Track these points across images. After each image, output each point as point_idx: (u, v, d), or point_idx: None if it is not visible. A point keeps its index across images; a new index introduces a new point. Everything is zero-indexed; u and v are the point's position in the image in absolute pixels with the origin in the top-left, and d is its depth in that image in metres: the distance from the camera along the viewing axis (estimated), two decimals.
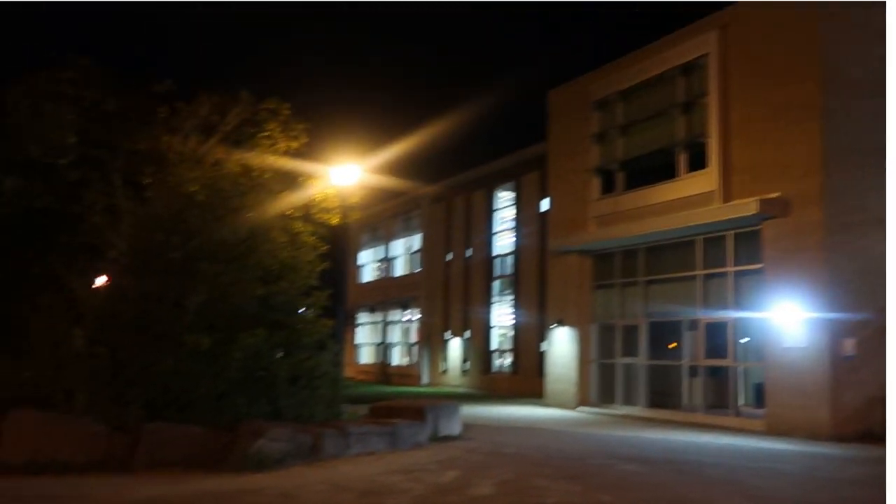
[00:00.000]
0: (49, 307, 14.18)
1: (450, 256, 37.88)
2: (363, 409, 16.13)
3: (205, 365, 12.66)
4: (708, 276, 19.92)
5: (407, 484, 10.09)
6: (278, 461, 11.27)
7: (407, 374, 39.53)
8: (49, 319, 14.17)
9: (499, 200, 35.42)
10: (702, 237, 20.00)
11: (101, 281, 15.61)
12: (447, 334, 37.55)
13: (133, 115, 16.06)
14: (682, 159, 20.80)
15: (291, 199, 16.35)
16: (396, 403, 16.31)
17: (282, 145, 16.30)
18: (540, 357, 27.80)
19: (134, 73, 16.51)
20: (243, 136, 16.37)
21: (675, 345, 21.10)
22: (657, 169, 21.57)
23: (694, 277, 20.30)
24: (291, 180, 16.53)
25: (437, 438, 14.35)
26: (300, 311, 15.34)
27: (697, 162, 20.28)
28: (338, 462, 11.79)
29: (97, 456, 11.36)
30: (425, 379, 38.46)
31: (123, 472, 10.97)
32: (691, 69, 20.84)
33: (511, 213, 34.27)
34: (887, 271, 13.96)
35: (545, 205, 28.76)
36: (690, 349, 20.50)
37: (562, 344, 24.34)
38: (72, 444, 11.37)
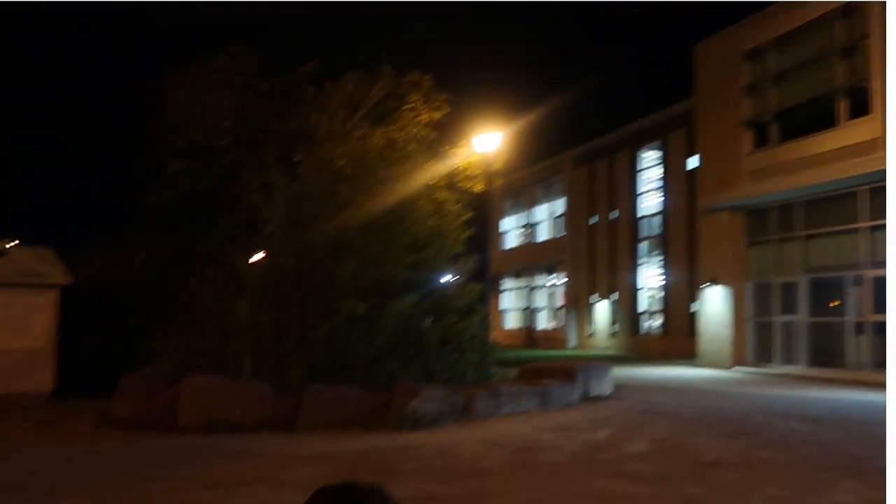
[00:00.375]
0: (214, 281, 15.17)
1: (594, 219, 37.42)
2: (512, 372, 16.32)
3: (359, 330, 13.21)
4: (874, 228, 18.75)
5: (560, 441, 10.19)
6: (432, 421, 11.63)
7: (553, 338, 39.53)
8: (214, 292, 15.18)
9: (643, 161, 34.57)
10: (866, 187, 18.83)
11: (259, 255, 16.51)
12: (593, 297, 37.22)
13: (283, 96, 16.80)
14: (842, 106, 19.58)
15: (435, 169, 16.65)
16: (546, 364, 16.39)
17: (424, 117, 16.59)
18: (691, 317, 27.11)
19: (282, 56, 17.28)
20: (387, 110, 16.78)
21: (837, 303, 20.05)
22: (815, 118, 20.43)
23: (858, 230, 19.18)
24: (435, 150, 16.82)
25: (587, 398, 14.36)
26: (447, 277, 15.68)
27: (859, 108, 19.05)
28: (490, 421, 12.03)
29: (265, 416, 12.12)
30: (572, 342, 38.34)
31: (289, 431, 11.64)
32: (851, 10, 19.52)
33: (657, 172, 33.40)
34: (887, 270, 12.76)
35: (693, 162, 27.87)
36: (856, 305, 19.43)
37: (715, 303, 23.64)
38: (241, 406, 12.17)
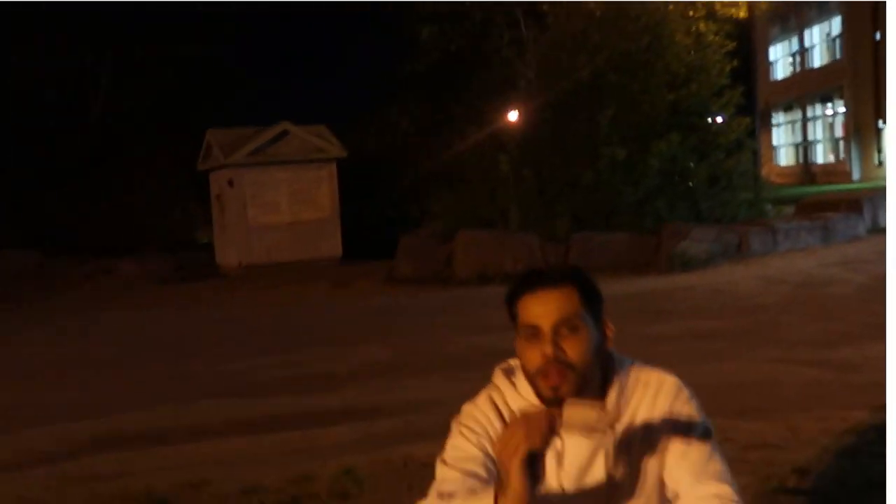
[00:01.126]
0: (475, 141, 15.63)
1: (878, 36, 33.22)
2: (788, 210, 15.40)
3: (622, 175, 13.05)
4: None
5: (846, 275, 9.59)
6: (704, 261, 11.39)
7: (833, 172, 36.38)
8: (477, 152, 15.64)
9: None
10: None
11: (516, 111, 16.65)
12: (880, 123, 33.56)
13: None
14: None
15: None
16: (826, 197, 15.29)
17: None
18: None
19: None
20: None
21: None
22: None
23: None
24: None
25: (877, 230, 13.24)
26: (712, 113, 14.87)
27: None
28: (766, 259, 11.55)
29: (534, 265, 12.49)
30: (856, 175, 35.09)
31: None
32: None
33: None
34: (887, 270, 9.35)
35: None
36: None
37: None
38: (511, 256, 12.64)
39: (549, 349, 1.49)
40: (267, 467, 4.75)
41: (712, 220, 12.98)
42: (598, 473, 1.58)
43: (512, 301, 1.59)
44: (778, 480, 3.72)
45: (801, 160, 40.04)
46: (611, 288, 10.56)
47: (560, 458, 1.58)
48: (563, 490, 1.59)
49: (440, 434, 1.73)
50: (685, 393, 1.61)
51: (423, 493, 1.64)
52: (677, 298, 9.19)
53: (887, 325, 3.74)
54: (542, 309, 1.52)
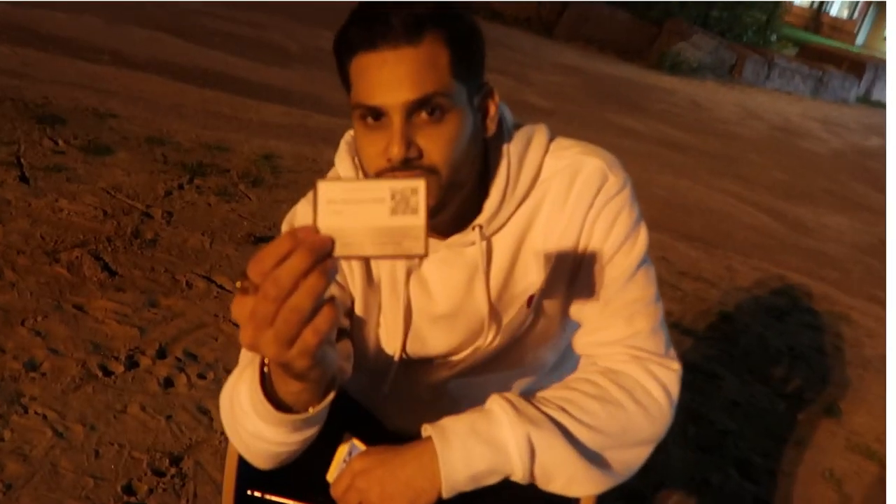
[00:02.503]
0: None
1: None
2: (790, 50, 14.69)
3: None
4: None
5: (824, 135, 9.25)
6: (694, 70, 10.80)
7: (841, 30, 35.17)
8: None
9: None
10: None
11: None
12: None
13: None
14: None
15: None
16: (832, 50, 14.60)
17: None
18: None
19: None
20: None
21: None
22: None
23: None
24: None
25: (867, 101, 12.82)
26: None
27: None
28: (753, 90, 11.05)
29: (524, 15, 11.66)
30: (860, 40, 34.05)
31: (547, 35, 11.23)
32: None
33: None
34: (887, 269, 9.03)
35: None
36: None
37: None
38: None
39: (396, 147, 0.92)
40: (181, 121, 4.28)
41: (717, 33, 12.20)
42: (477, 301, 1.10)
43: (341, 58, 0.99)
44: (706, 322, 3.51)
45: (815, 6, 38.37)
46: (594, 65, 10.02)
47: (426, 287, 1.12)
48: (434, 321, 1.13)
49: None
50: (616, 187, 1.05)
51: None
52: (656, 98, 8.70)
53: (887, 321, 3.50)
54: (388, 80, 0.93)
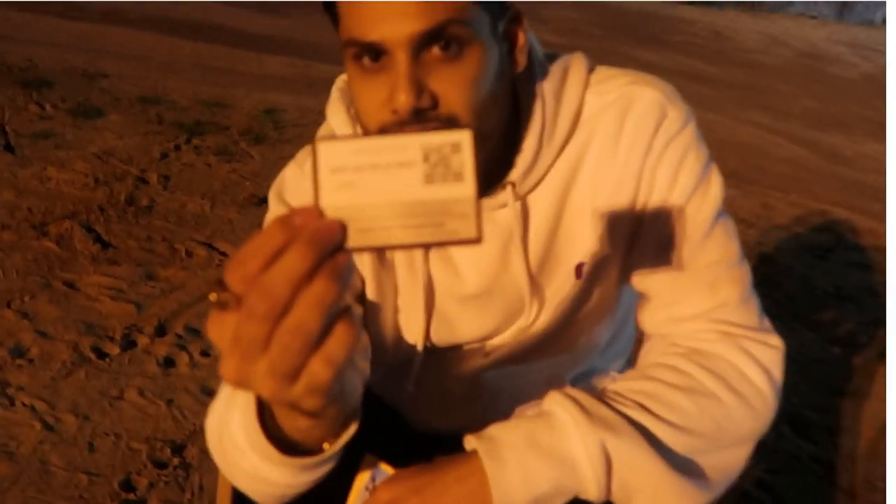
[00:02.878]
0: None
1: None
2: None
3: None
4: None
5: (853, 59, 8.84)
6: (714, 1, 10.37)
7: None
8: None
9: None
10: None
11: None
12: None
13: None
14: None
15: None
16: None
17: None
18: None
19: None
20: None
21: None
22: None
23: None
24: None
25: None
26: None
27: None
28: (776, 16, 10.61)
29: None
30: None
31: None
32: None
33: None
34: (887, 270, 8.43)
35: None
36: None
37: None
38: None
39: (404, 95, 0.69)
40: (176, 78, 4.04)
41: None
42: (515, 274, 0.88)
43: None
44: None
45: None
46: None
47: (450, 262, 0.90)
48: (463, 302, 0.91)
49: None
50: (678, 123, 0.82)
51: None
52: (676, 30, 8.33)
53: (887, 322, 3.24)
54: (387, 6, 0.70)
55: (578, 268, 0.88)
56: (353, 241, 0.47)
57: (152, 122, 3.51)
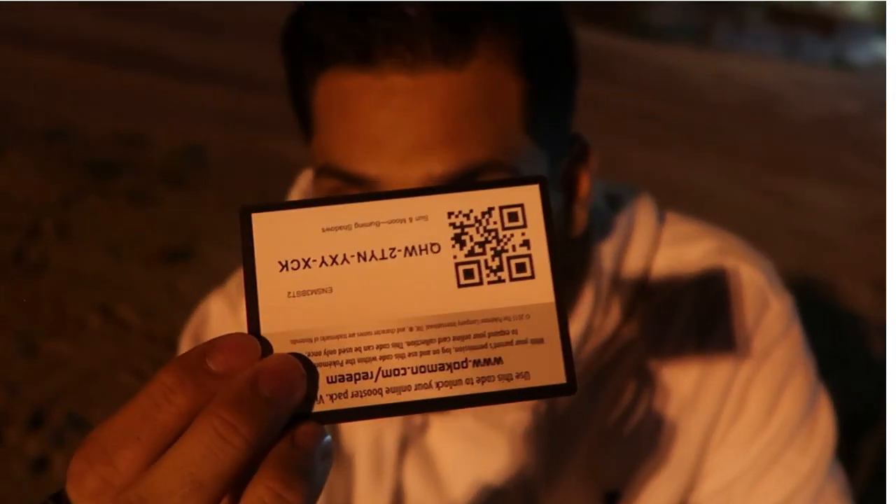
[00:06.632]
0: None
1: None
2: (758, 11, 14.28)
3: None
4: None
5: (801, 99, 8.86)
6: (663, 34, 10.35)
7: None
8: None
9: None
10: None
11: None
12: None
13: None
14: None
15: None
16: (804, 12, 14.21)
17: None
18: None
19: None
20: None
21: None
22: None
23: None
24: None
25: (841, 63, 12.44)
26: None
27: None
28: (726, 56, 10.62)
29: None
30: None
31: None
32: None
33: None
34: (887, 270, 9.00)
35: None
36: None
37: None
38: None
39: None
40: (92, 109, 3.70)
41: None
42: (520, 494, 0.61)
43: (298, 67, 0.53)
44: None
45: None
46: None
47: (430, 464, 0.61)
48: None
49: None
50: (783, 320, 0.60)
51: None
52: (629, 65, 8.25)
53: (887, 322, 3.10)
54: (394, 132, 0.46)
55: (610, 497, 0.61)
56: (326, 400, 0.27)
57: (57, 160, 3.17)
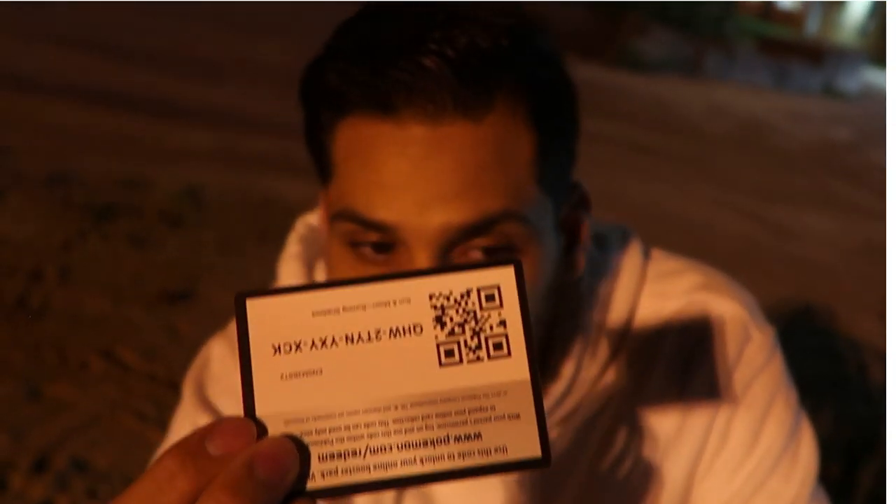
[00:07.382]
0: None
1: None
2: (748, 41, 14.45)
3: None
4: None
5: (793, 128, 8.93)
6: (654, 66, 10.46)
7: (788, 17, 35.32)
8: None
9: None
10: None
11: None
12: None
13: None
14: None
15: None
16: (793, 42, 14.39)
17: None
18: None
19: None
20: None
21: None
22: None
23: None
24: None
25: (831, 92, 12.58)
26: None
27: None
28: (716, 85, 10.74)
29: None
30: (813, 27, 34.21)
31: None
32: None
33: None
34: (887, 270, 9.13)
35: None
36: None
37: None
38: None
39: None
40: (91, 154, 3.73)
41: (677, 21, 11.86)
42: None
43: (317, 113, 0.54)
44: None
45: None
46: None
47: (427, 502, 0.63)
48: None
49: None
50: (764, 352, 0.62)
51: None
52: (621, 99, 8.33)
53: (887, 322, 3.13)
54: (413, 180, 0.49)
55: None
56: (318, 478, 0.29)
57: (58, 204, 3.20)
